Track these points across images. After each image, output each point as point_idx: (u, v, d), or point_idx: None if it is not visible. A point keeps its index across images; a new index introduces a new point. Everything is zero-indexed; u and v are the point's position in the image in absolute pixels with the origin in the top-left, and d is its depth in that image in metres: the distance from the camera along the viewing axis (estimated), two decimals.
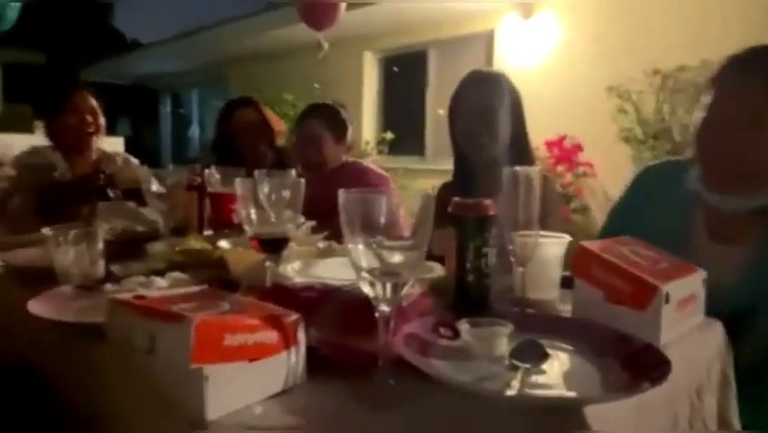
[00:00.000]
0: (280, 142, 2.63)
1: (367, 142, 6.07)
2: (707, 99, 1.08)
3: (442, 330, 0.77)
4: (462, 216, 0.90)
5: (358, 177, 2.16)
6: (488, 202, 0.90)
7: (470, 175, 1.65)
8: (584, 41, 4.65)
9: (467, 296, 0.88)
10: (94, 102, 2.17)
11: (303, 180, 0.97)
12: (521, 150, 1.59)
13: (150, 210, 1.56)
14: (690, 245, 1.13)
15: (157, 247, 1.23)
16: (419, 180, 5.00)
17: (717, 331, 0.92)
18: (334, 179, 2.15)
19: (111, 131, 2.35)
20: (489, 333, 0.73)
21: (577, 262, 0.88)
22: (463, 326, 0.74)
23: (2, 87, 9.41)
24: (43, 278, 1.04)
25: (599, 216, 4.46)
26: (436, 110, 5.85)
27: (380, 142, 5.96)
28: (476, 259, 0.88)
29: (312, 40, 3.68)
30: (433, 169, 5.40)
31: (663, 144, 3.83)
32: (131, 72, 9.89)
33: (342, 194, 0.63)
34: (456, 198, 0.92)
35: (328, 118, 2.25)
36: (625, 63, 4.16)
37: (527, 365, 0.67)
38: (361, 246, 0.65)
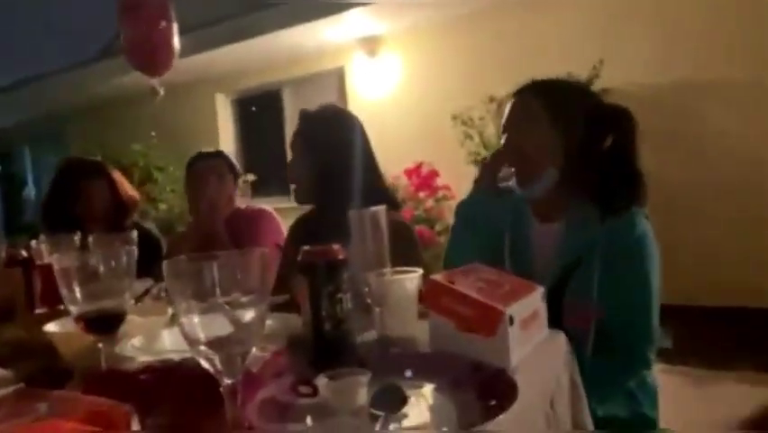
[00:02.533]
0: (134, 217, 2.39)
1: None
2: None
3: (301, 389, 0.74)
4: (312, 264, 0.87)
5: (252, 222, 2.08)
6: (336, 247, 0.89)
7: (323, 213, 1.63)
8: (427, 75, 4.96)
9: (326, 346, 0.85)
10: None
11: (135, 248, 0.88)
12: (371, 184, 1.57)
13: None
14: (526, 229, 1.38)
15: None
16: (289, 220, 4.95)
17: (560, 341, 0.99)
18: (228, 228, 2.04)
19: None
20: (346, 385, 0.71)
21: (427, 294, 0.90)
22: (321, 381, 0.71)
23: None
24: None
25: None
26: None
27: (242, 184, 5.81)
28: (331, 306, 0.86)
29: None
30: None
31: None
32: None
33: (166, 265, 0.58)
34: (305, 247, 0.90)
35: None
36: (465, 92, 4.50)
37: (384, 414, 0.66)
38: (195, 318, 0.60)
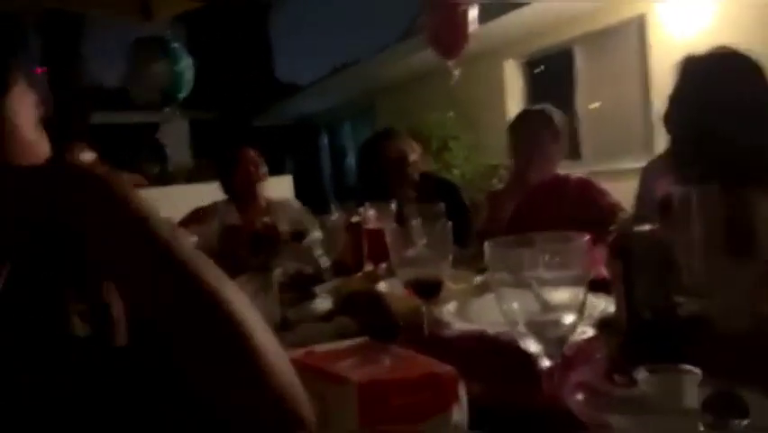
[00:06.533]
0: (421, 168, 2.60)
1: None
2: None
3: (616, 378, 0.71)
4: (631, 246, 0.82)
5: (581, 193, 1.92)
6: (658, 227, 0.81)
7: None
8: (752, 10, 4.05)
9: (642, 335, 0.80)
10: (255, 154, 2.43)
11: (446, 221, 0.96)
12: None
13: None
14: None
15: (324, 291, 1.33)
16: None
17: None
18: (547, 194, 1.96)
19: (279, 170, 2.60)
20: (672, 382, 0.65)
21: None
22: (641, 374, 0.67)
23: (189, 143, 11.03)
24: None
25: None
26: (587, 107, 5.51)
27: None
28: (649, 293, 0.80)
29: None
30: (592, 171, 5.06)
31: None
32: (291, 113, 10.89)
33: (487, 247, 0.62)
34: (621, 226, 0.85)
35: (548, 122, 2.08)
36: None
37: (727, 423, 0.59)
38: (515, 304, 0.62)
